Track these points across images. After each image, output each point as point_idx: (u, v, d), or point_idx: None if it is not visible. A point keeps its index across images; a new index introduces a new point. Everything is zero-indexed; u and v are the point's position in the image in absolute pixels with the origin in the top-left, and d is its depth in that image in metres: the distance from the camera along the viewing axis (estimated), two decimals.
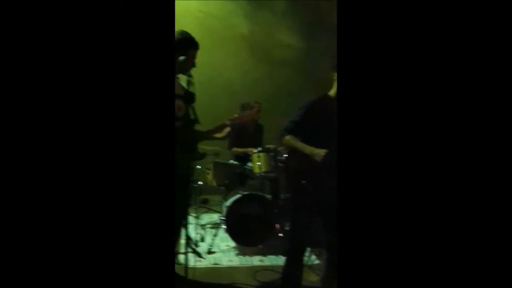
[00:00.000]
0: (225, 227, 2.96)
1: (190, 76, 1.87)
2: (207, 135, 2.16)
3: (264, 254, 2.95)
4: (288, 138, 1.94)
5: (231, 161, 3.45)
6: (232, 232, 2.95)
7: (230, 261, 2.83)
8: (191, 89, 1.88)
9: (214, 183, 3.37)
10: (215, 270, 2.63)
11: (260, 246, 2.98)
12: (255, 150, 3.18)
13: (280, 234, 3.04)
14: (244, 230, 2.94)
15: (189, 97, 1.88)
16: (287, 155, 2.04)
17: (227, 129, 2.13)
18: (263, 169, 3.06)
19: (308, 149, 1.89)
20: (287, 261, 2.04)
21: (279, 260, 2.86)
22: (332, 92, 1.97)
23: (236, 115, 2.81)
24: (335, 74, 1.91)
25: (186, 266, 1.82)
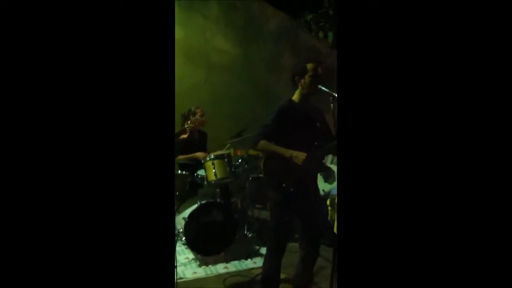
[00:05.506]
0: (185, 239, 2.87)
1: None
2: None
3: (226, 261, 2.94)
4: (263, 143, 1.97)
5: (180, 171, 3.34)
6: (194, 244, 2.87)
7: (195, 273, 2.76)
8: None
9: None
10: (183, 284, 2.54)
11: (222, 254, 2.96)
12: (207, 158, 3.14)
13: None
14: (206, 240, 2.89)
15: None
16: (264, 159, 2.06)
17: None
18: (219, 176, 3.04)
19: (288, 152, 1.93)
20: (268, 263, 2.07)
21: (243, 265, 2.90)
22: (295, 97, 2.08)
23: (193, 119, 2.94)
24: (298, 79, 2.03)
25: None
